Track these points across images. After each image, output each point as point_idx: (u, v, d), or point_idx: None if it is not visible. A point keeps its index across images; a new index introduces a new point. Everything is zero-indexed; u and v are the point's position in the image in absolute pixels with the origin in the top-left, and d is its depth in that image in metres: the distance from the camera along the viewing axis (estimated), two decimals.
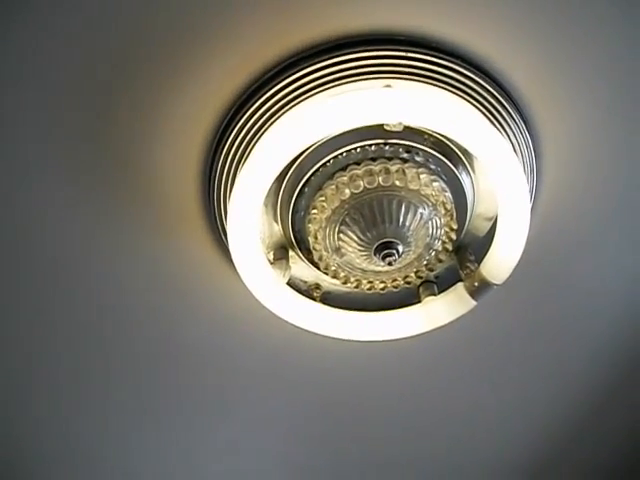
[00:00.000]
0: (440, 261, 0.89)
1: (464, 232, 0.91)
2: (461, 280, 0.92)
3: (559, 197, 0.95)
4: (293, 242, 0.90)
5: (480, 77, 0.84)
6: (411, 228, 0.83)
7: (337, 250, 0.86)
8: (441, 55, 0.82)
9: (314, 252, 0.87)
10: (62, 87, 0.81)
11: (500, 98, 0.85)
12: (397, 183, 0.81)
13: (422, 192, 0.82)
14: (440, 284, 0.95)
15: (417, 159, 0.82)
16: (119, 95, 0.82)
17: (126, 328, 1.04)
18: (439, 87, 0.82)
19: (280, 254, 0.91)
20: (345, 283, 0.90)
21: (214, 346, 1.08)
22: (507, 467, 1.31)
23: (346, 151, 0.82)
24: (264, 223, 0.89)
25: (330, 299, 0.96)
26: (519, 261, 0.87)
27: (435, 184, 0.82)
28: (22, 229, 0.92)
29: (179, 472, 1.27)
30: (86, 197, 0.90)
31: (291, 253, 0.92)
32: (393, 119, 0.77)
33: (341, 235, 0.84)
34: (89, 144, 0.86)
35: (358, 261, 0.86)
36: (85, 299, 1.00)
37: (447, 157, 0.84)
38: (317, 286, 0.96)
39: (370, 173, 0.81)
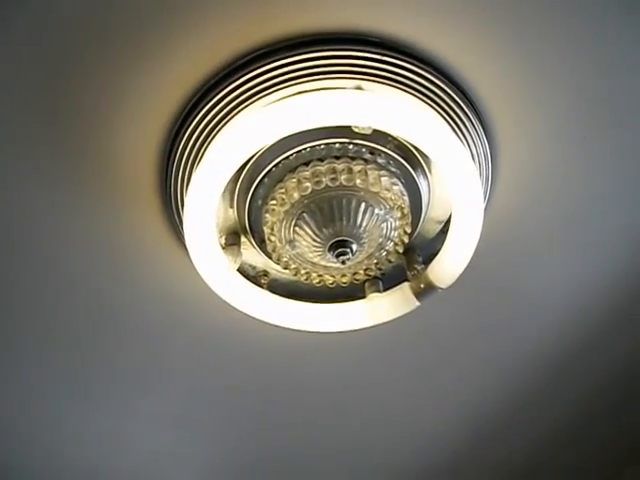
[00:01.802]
0: (390, 262, 0.91)
1: (415, 234, 0.93)
2: (407, 280, 0.94)
3: (509, 207, 0.98)
4: (247, 229, 0.90)
5: (447, 85, 0.85)
6: (367, 229, 0.84)
7: (290, 242, 0.86)
8: (411, 60, 0.83)
9: (268, 243, 0.87)
10: (22, 64, 0.79)
11: (464, 107, 0.86)
12: (358, 183, 0.81)
13: (382, 195, 0.83)
14: (385, 281, 0.97)
15: (379, 161, 0.83)
16: (82, 76, 0.81)
17: (69, 296, 1.03)
18: (405, 92, 0.83)
19: (232, 240, 0.91)
20: (295, 275, 0.90)
21: (157, 323, 1.08)
22: (430, 456, 1.37)
23: (310, 147, 0.82)
24: (219, 208, 0.88)
25: (276, 286, 0.97)
26: None
27: (395, 187, 0.84)
28: None
29: (107, 440, 1.27)
30: (42, 171, 0.89)
31: (243, 239, 0.92)
32: (361, 121, 0.78)
33: (297, 229, 0.84)
34: (47, 123, 0.84)
35: (310, 255, 0.87)
36: (32, 269, 0.99)
37: (407, 161, 0.85)
38: (265, 273, 0.97)
39: (333, 171, 0.81)
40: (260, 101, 0.81)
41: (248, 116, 0.80)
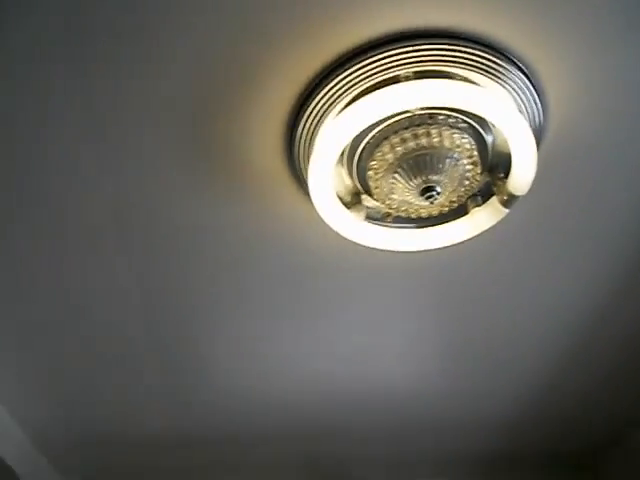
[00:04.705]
0: (473, 189, 1.18)
1: (490, 157, 1.16)
2: (494, 194, 1.20)
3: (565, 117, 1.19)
4: (360, 189, 1.20)
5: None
6: (447, 175, 1.12)
7: (390, 193, 1.16)
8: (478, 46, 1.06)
9: (375, 195, 1.17)
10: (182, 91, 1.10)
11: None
12: (435, 142, 1.09)
13: (454, 148, 1.10)
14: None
15: (449, 121, 1.09)
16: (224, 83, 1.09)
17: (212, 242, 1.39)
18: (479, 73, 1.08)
19: (355, 199, 1.21)
20: (403, 212, 1.20)
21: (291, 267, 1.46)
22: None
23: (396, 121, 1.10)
24: (340, 177, 1.18)
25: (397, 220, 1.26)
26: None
27: (464, 140, 1.10)
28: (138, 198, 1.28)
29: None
30: (190, 163, 1.22)
31: (363, 196, 1.22)
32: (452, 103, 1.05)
33: (393, 181, 1.13)
34: (194, 126, 1.16)
35: (409, 199, 1.16)
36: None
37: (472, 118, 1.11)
38: (388, 214, 1.24)
39: (416, 136, 1.09)
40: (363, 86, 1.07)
41: (354, 104, 1.06)
